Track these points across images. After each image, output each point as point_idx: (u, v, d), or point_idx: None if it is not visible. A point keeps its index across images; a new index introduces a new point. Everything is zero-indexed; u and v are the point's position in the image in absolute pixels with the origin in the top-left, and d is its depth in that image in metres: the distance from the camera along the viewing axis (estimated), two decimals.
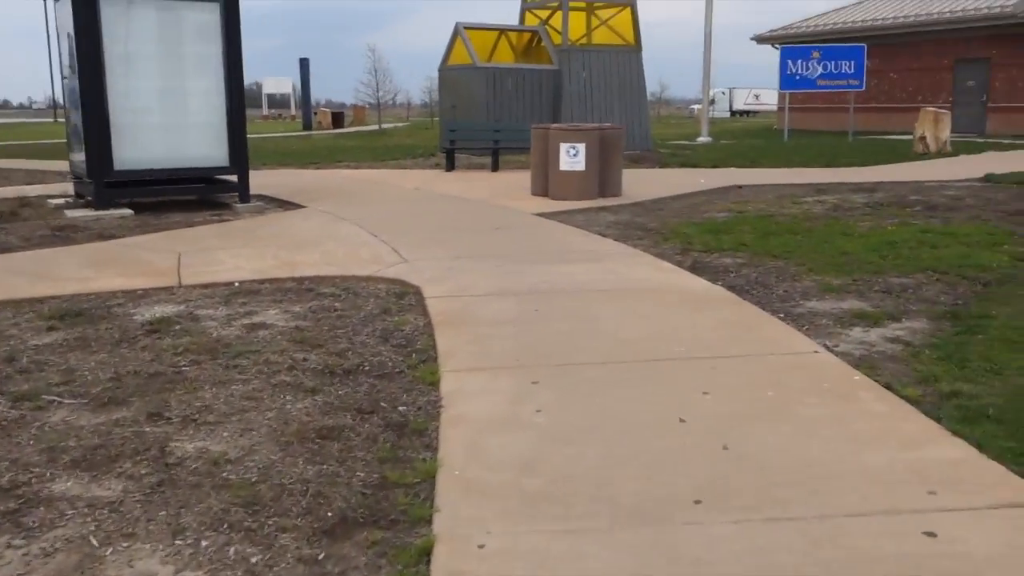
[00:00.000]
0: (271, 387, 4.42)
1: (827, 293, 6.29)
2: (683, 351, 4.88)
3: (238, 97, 11.00)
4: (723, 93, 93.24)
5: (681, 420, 3.85)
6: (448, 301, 6.11)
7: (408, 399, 4.26)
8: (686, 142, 26.04)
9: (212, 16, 10.70)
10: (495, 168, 16.69)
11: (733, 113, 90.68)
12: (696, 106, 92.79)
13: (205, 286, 6.69)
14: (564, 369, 4.61)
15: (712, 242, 8.32)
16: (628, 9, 21.34)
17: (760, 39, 34.77)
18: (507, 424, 3.85)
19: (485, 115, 19.93)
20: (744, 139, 27.75)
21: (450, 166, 16.76)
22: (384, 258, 7.74)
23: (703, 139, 26.25)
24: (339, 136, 34.46)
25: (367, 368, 4.73)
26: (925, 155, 18.92)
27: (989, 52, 27.60)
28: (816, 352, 4.86)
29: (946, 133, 19.13)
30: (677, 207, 11.24)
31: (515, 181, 14.46)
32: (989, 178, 14.03)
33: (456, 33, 20.86)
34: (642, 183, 13.79)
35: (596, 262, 7.37)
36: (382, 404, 4.19)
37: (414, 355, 4.96)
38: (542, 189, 12.36)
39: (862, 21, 30.95)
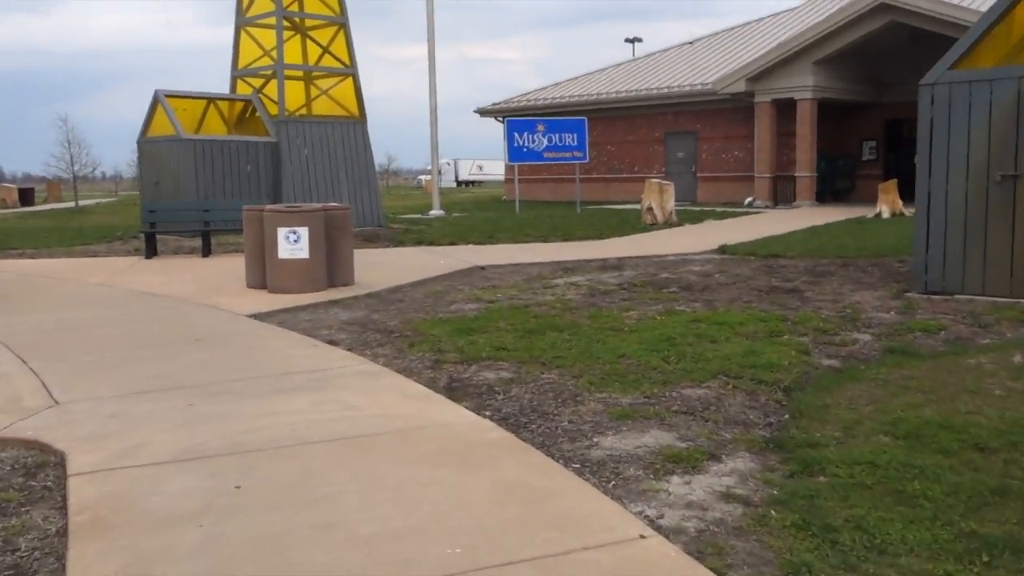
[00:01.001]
0: None
1: (622, 421, 4.96)
2: (458, 555, 3.25)
3: None
4: (448, 164, 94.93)
5: None
6: (104, 479, 4.10)
7: None
8: (419, 216, 24.96)
9: None
10: (206, 253, 14.41)
11: (459, 183, 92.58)
12: (424, 177, 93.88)
13: None
14: None
15: (467, 347, 6.84)
16: (350, 79, 19.98)
17: (483, 112, 34.86)
18: None
19: (194, 191, 17.55)
20: (476, 211, 27.16)
21: (150, 252, 14.27)
22: (24, 400, 5.51)
23: (436, 212, 25.31)
24: (26, 216, 30.04)
25: None
26: (654, 225, 18.98)
27: (695, 125, 29.11)
28: (643, 537, 3.42)
29: (671, 203, 19.35)
30: (419, 297, 9.74)
31: (230, 269, 12.35)
32: (725, 249, 13.85)
33: (156, 101, 18.37)
34: (377, 267, 12.19)
35: (325, 389, 5.62)
36: None
37: None
38: (260, 280, 10.41)
39: (579, 96, 31.78)
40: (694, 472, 4.20)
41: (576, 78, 34.25)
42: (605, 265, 12.39)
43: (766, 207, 25.24)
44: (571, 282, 10.63)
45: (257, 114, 19.20)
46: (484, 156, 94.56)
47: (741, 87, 25.29)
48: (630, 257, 13.28)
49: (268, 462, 4.29)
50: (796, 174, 25.18)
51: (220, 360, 6.54)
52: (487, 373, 6.09)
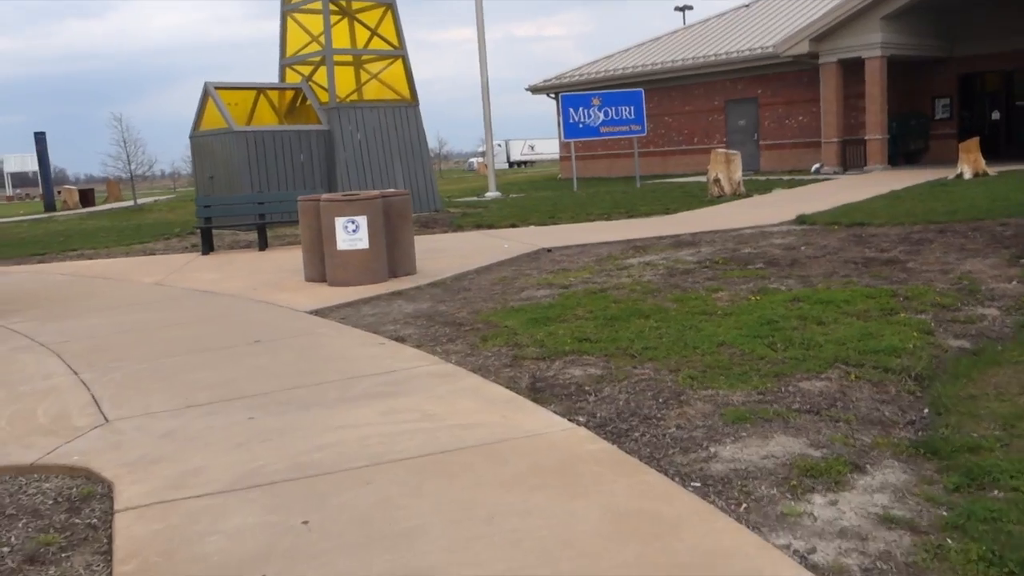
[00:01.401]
0: None
1: (739, 425, 4.30)
2: None
3: None
4: (500, 145, 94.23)
5: None
6: (155, 515, 3.58)
7: None
8: (475, 199, 24.38)
9: None
10: (263, 246, 14.01)
11: (511, 164, 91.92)
12: (476, 160, 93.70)
13: None
14: None
15: (547, 340, 6.22)
16: (400, 61, 19.41)
17: (535, 89, 34.05)
18: None
19: (248, 184, 17.19)
20: (533, 191, 26.50)
21: (207, 248, 13.91)
22: (72, 418, 5.04)
23: (492, 194, 24.72)
24: (87, 216, 30.19)
25: None
26: (721, 197, 18.11)
27: (755, 92, 27.98)
28: None
29: (738, 174, 18.44)
30: (486, 284, 9.15)
31: (287, 262, 11.91)
32: (804, 220, 13.00)
33: (206, 94, 18.03)
34: (438, 254, 11.64)
35: (396, 395, 5.05)
36: None
37: None
38: (318, 274, 9.91)
39: (632, 67, 30.81)
40: (838, 488, 3.53)
41: (628, 49, 33.21)
42: (678, 242, 11.65)
43: (835, 173, 24.09)
44: (646, 262, 9.94)
45: (308, 102, 18.76)
46: (535, 136, 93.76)
47: (804, 48, 24.11)
48: (703, 232, 12.51)
49: (338, 488, 3.72)
50: (866, 137, 23.96)
51: (281, 364, 6.03)
52: (573, 370, 5.47)
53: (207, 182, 18.15)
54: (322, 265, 9.79)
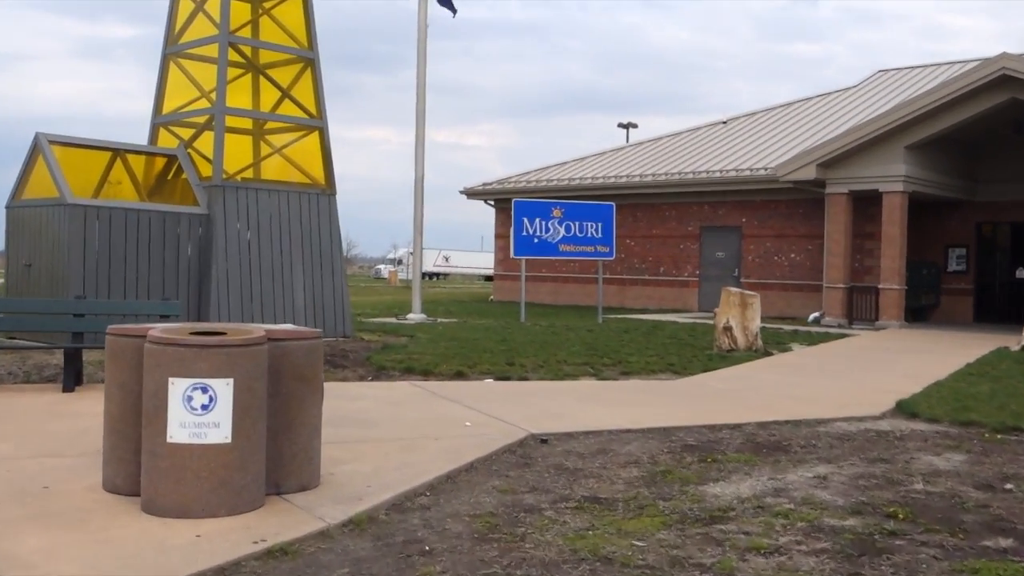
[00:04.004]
0: None
1: None
2: None
3: None
4: (410, 253, 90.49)
5: None
6: None
7: None
8: (395, 320, 20.07)
9: None
10: (70, 384, 9.33)
11: (422, 275, 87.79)
12: (385, 267, 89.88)
13: None
14: None
15: None
16: (316, 135, 15.32)
17: (472, 193, 30.58)
18: None
19: (80, 282, 12.55)
20: (465, 315, 22.40)
21: None
22: None
23: (416, 316, 20.48)
24: None
25: None
26: (733, 352, 14.35)
27: (739, 219, 24.89)
28: None
29: (756, 322, 14.77)
30: (459, 532, 4.84)
31: (94, 429, 7.29)
32: (912, 410, 9.14)
33: (36, 149, 13.50)
34: (358, 432, 7.26)
35: None
36: None
37: None
38: (128, 479, 5.42)
39: (593, 178, 27.55)
40: None
41: (585, 158, 30.18)
42: (753, 442, 7.57)
43: (839, 325, 20.82)
44: (741, 496, 5.76)
45: (184, 175, 14.38)
46: (450, 246, 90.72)
47: (810, 174, 21.13)
48: (773, 423, 8.49)
49: None
50: (880, 286, 20.82)
51: None
52: None
53: (22, 272, 13.41)
54: (137, 463, 5.31)
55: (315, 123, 15.21)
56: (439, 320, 20.38)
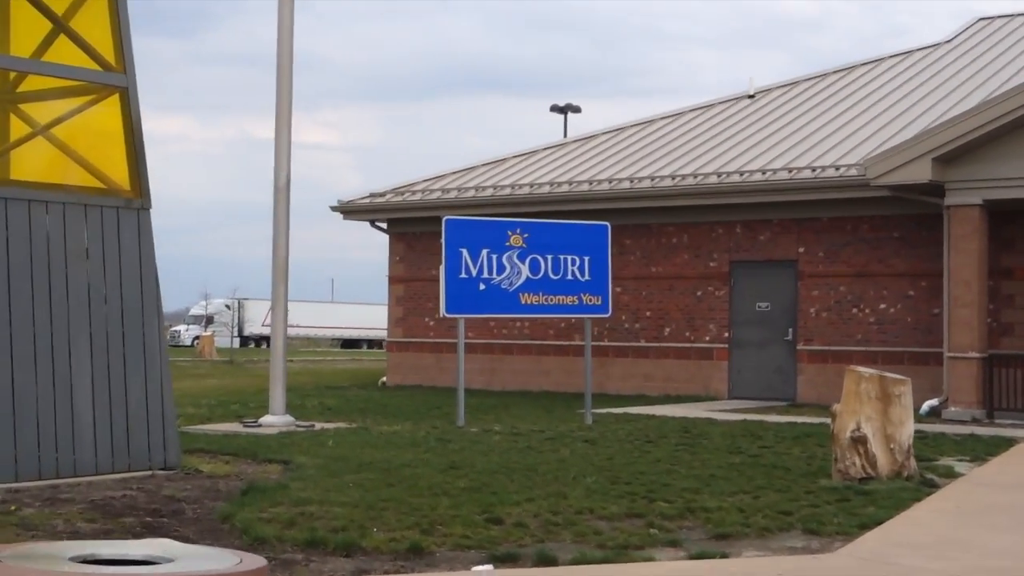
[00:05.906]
0: None
1: None
2: None
3: None
4: (227, 306, 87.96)
5: None
6: None
7: None
8: (242, 429, 17.81)
9: None
10: None
11: (244, 340, 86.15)
12: (186, 327, 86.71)
13: None
14: None
15: None
16: (116, 98, 13.59)
17: (349, 211, 29.63)
18: None
19: None
20: (357, 413, 20.83)
21: None
22: None
23: (277, 420, 18.24)
24: None
25: None
26: (869, 479, 12.46)
27: (794, 249, 23.43)
28: None
29: (909, 428, 12.86)
30: None
31: None
32: None
33: None
34: None
35: None
36: None
37: None
38: None
39: (550, 184, 26.11)
40: None
41: (534, 152, 29.78)
42: None
43: (973, 419, 19.48)
44: None
45: None
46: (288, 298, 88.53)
47: (923, 173, 19.91)
48: None
49: None
50: None
51: None
52: None
53: None
54: None
55: (114, 80, 13.17)
56: (320, 426, 18.16)
